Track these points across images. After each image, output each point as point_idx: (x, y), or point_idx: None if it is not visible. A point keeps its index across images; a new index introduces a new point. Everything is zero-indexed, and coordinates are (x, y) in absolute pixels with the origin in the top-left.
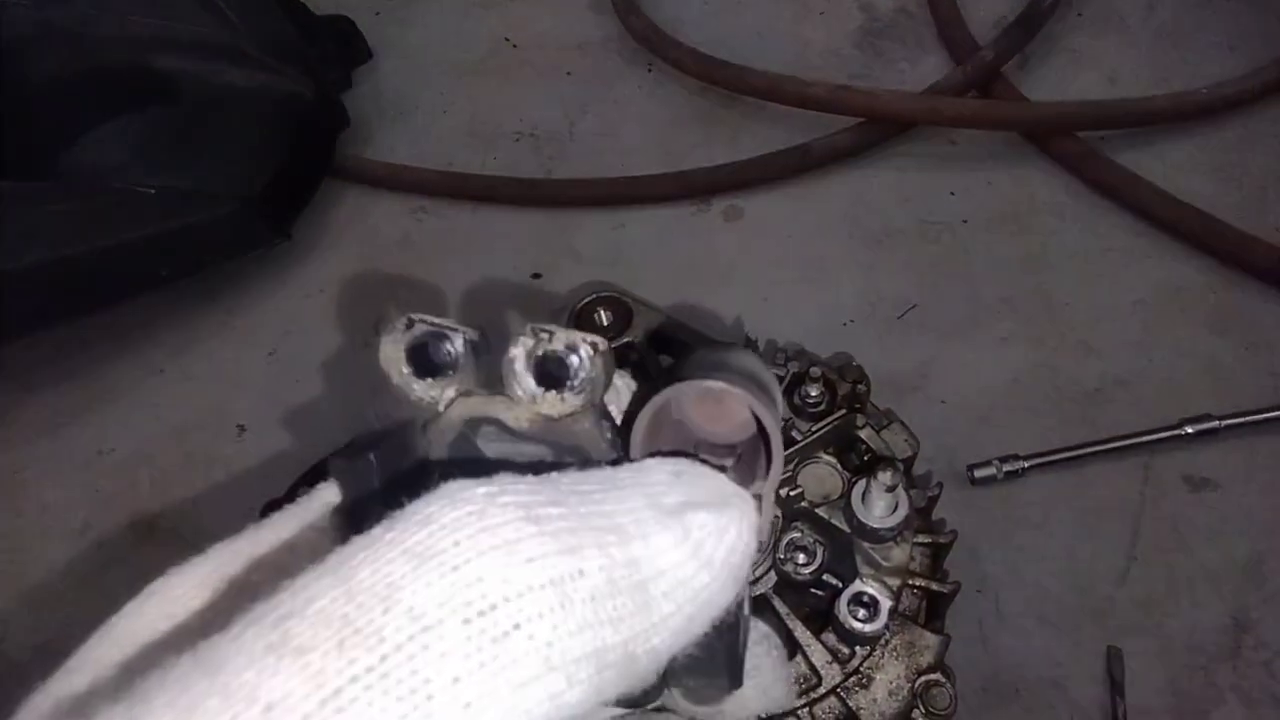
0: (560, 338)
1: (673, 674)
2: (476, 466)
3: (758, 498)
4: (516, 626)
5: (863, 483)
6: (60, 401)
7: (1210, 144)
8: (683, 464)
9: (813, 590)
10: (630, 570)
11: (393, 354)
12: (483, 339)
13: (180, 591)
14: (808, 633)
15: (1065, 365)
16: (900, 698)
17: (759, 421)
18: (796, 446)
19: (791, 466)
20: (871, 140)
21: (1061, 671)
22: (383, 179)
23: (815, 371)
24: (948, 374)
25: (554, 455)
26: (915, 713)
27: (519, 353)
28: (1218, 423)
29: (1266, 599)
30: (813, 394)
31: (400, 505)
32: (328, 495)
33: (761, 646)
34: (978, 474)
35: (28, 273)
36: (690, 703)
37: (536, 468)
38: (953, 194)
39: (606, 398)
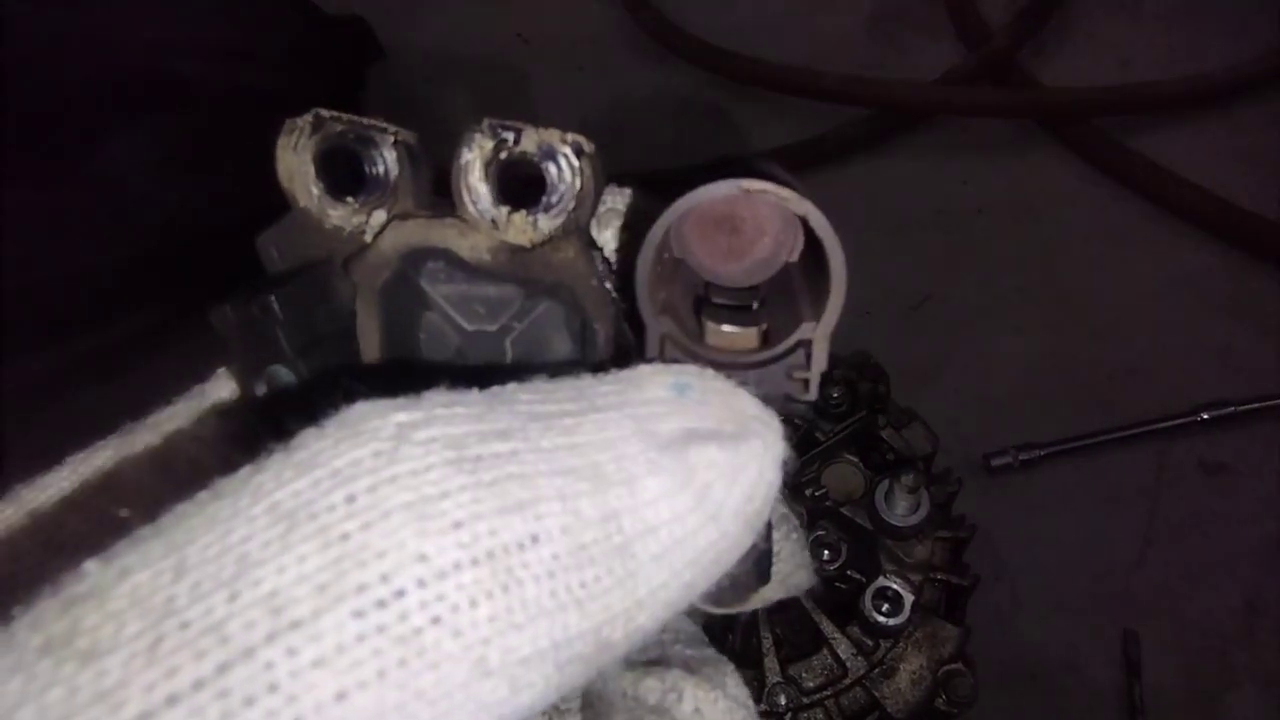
0: (530, 137)
1: None
2: (407, 374)
3: (805, 346)
4: (435, 620)
5: (886, 483)
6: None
7: (1226, 127)
8: (689, 373)
9: (837, 585)
10: (608, 529)
11: (297, 164)
12: (419, 144)
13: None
14: (833, 626)
15: (1080, 353)
16: (923, 687)
17: (809, 250)
18: (820, 447)
19: (815, 468)
20: (885, 131)
21: (1078, 655)
22: None
23: (836, 373)
24: (964, 363)
25: (525, 297)
26: (938, 701)
27: (473, 158)
28: (1233, 408)
29: None
30: (835, 395)
31: (285, 428)
32: (220, 389)
33: (780, 530)
34: (994, 462)
35: (48, 282)
36: (708, 605)
37: (486, 374)
38: (966, 183)
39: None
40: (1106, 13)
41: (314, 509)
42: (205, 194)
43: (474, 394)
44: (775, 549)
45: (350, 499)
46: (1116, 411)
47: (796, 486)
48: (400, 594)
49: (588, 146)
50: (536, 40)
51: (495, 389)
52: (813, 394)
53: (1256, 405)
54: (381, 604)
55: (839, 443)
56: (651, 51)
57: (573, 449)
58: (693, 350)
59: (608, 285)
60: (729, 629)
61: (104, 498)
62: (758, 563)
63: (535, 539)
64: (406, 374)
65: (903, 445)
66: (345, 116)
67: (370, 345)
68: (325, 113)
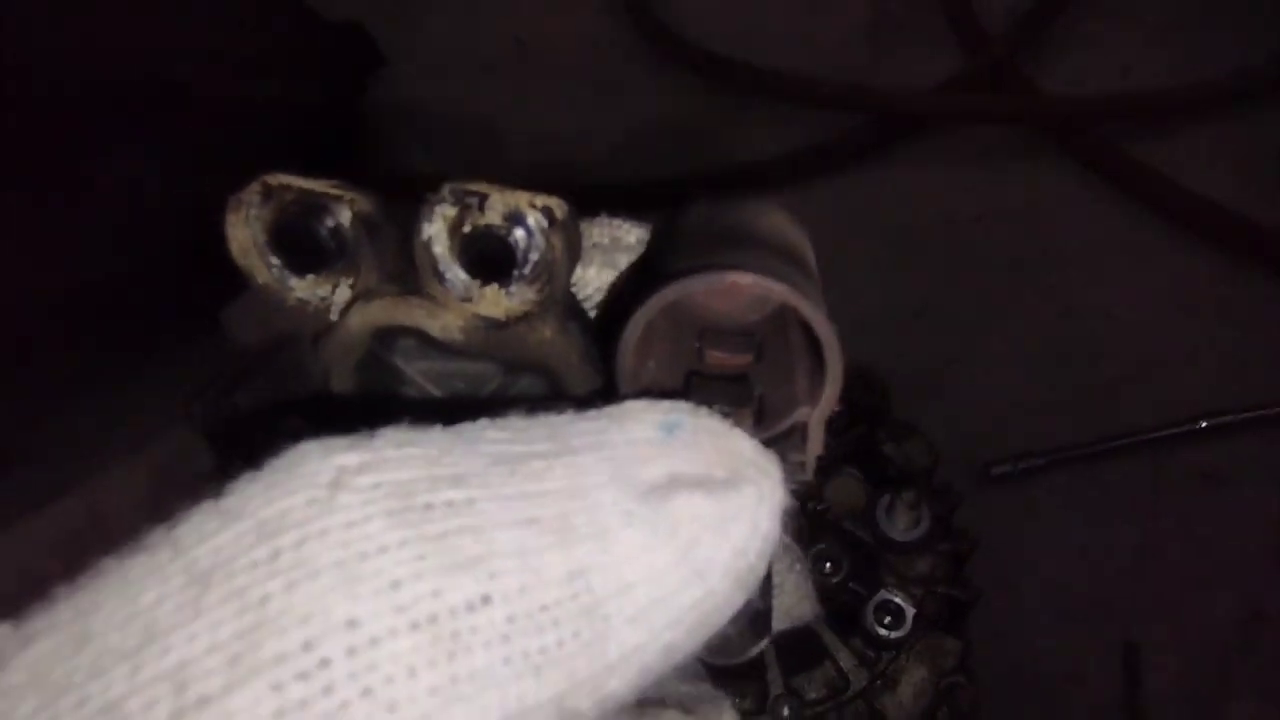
0: (496, 203)
1: None
2: (368, 410)
3: (800, 429)
4: (365, 693)
5: (886, 498)
6: None
7: (1228, 134)
8: (680, 410)
9: (839, 597)
10: (574, 588)
11: (250, 239)
12: (380, 209)
13: None
14: (835, 638)
15: (1081, 362)
16: (925, 699)
17: (802, 318)
18: (822, 462)
19: (818, 481)
20: (884, 139)
21: (1078, 665)
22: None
23: None
24: (964, 372)
25: (504, 377)
26: (939, 713)
27: (436, 229)
28: (1232, 417)
29: None
30: (836, 409)
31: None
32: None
33: (783, 562)
34: (994, 471)
35: (53, 293)
36: (706, 658)
37: (457, 409)
38: (966, 191)
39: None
40: (1107, 20)
41: (233, 567)
42: (202, 201)
43: (435, 432)
44: (777, 582)
45: (274, 555)
46: (1117, 420)
47: (800, 500)
48: (325, 664)
49: (559, 211)
50: (536, 45)
51: (462, 426)
52: (809, 475)
53: (1256, 414)
54: (303, 676)
55: (840, 456)
56: (651, 58)
57: (538, 497)
58: None
59: (592, 357)
60: None
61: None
62: (753, 621)
63: (487, 600)
64: (367, 410)
65: (903, 459)
66: (295, 184)
67: None
68: (274, 180)
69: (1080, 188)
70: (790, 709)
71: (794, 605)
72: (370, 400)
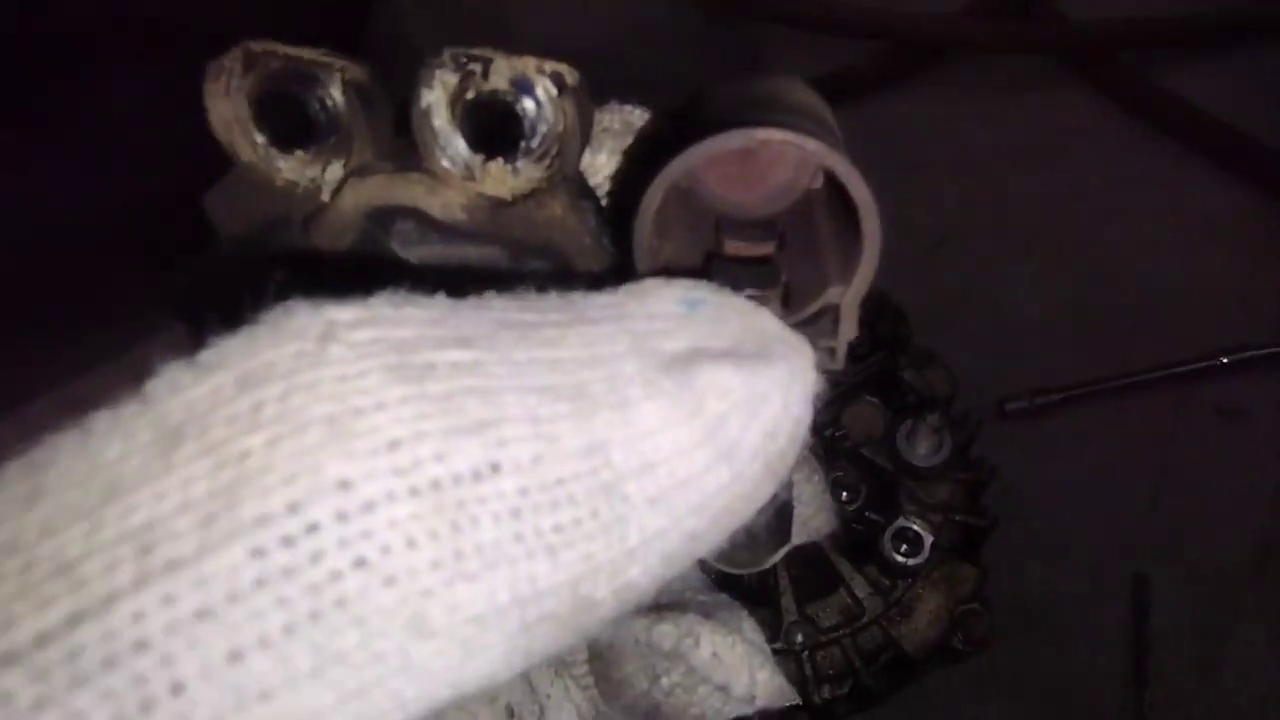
0: (501, 69)
1: None
2: (361, 271)
3: (831, 312)
4: (359, 564)
5: (908, 423)
6: None
7: (1260, 62)
8: (703, 288)
9: (854, 525)
10: (593, 462)
11: (232, 112)
12: (375, 79)
13: None
14: (850, 566)
15: (1099, 297)
16: (940, 626)
17: (834, 179)
18: (840, 388)
19: (834, 408)
20: (903, 67)
21: (1088, 598)
22: None
23: None
24: (981, 306)
25: (511, 259)
26: (953, 640)
27: (436, 98)
28: (1253, 352)
29: None
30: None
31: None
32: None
33: (801, 472)
34: (1009, 407)
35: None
36: (723, 565)
37: (459, 280)
38: (986, 122)
39: (586, 161)
40: None
41: (209, 420)
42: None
43: (438, 298)
44: (796, 493)
45: (256, 408)
46: (1135, 356)
47: (816, 426)
48: (313, 529)
49: (570, 78)
50: None
51: (466, 299)
52: (840, 363)
53: (1276, 350)
54: (288, 541)
55: (859, 383)
56: None
57: (553, 364)
58: None
59: (604, 242)
60: None
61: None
62: (779, 516)
63: (496, 468)
64: (361, 272)
65: (923, 386)
66: (281, 50)
67: None
68: (257, 46)
69: (1104, 118)
70: (804, 635)
71: (811, 516)
72: (365, 261)
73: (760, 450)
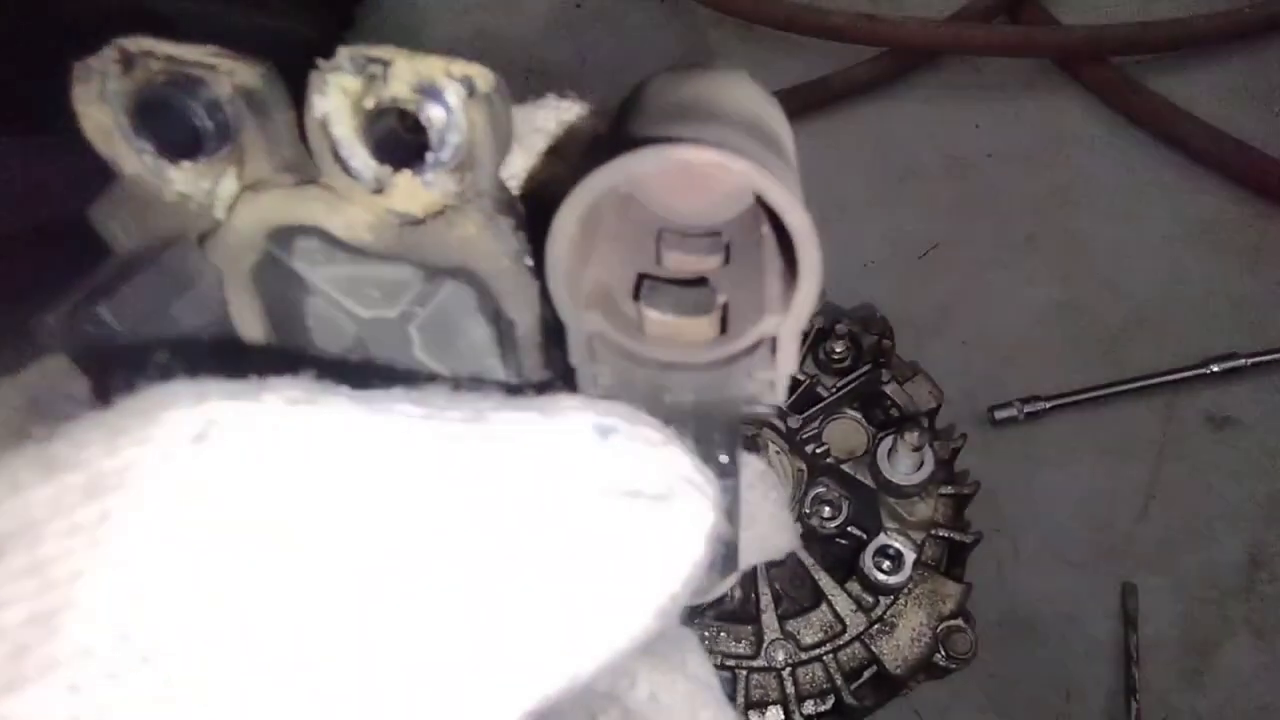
0: (403, 71)
1: None
2: (274, 364)
3: (768, 342)
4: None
5: (889, 440)
6: None
7: (1252, 68)
8: (616, 414)
9: (837, 540)
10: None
11: (104, 118)
12: (268, 83)
13: None
14: (833, 582)
15: (1090, 304)
16: (923, 643)
17: (768, 206)
18: (822, 403)
19: (817, 423)
20: (895, 71)
21: (1077, 607)
22: None
23: (840, 328)
24: (970, 314)
25: (425, 284)
26: (936, 656)
27: (334, 104)
28: (1244, 361)
29: None
30: (838, 350)
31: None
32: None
33: (757, 490)
34: (999, 415)
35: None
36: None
37: (394, 375)
38: (978, 126)
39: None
40: None
41: (44, 531)
42: None
43: (342, 393)
44: (751, 512)
45: (102, 519)
46: (1125, 363)
47: (798, 443)
48: (146, 660)
49: (483, 82)
50: None
51: (373, 392)
52: (779, 397)
53: (1265, 358)
54: (113, 677)
55: (841, 398)
56: None
57: (440, 498)
58: (630, 350)
59: (525, 263)
60: None
61: None
62: (724, 548)
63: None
64: (273, 363)
65: (906, 401)
66: (161, 50)
67: (253, 336)
68: (133, 45)
69: (1096, 122)
70: (786, 653)
71: (769, 534)
72: (268, 351)
73: (652, 596)
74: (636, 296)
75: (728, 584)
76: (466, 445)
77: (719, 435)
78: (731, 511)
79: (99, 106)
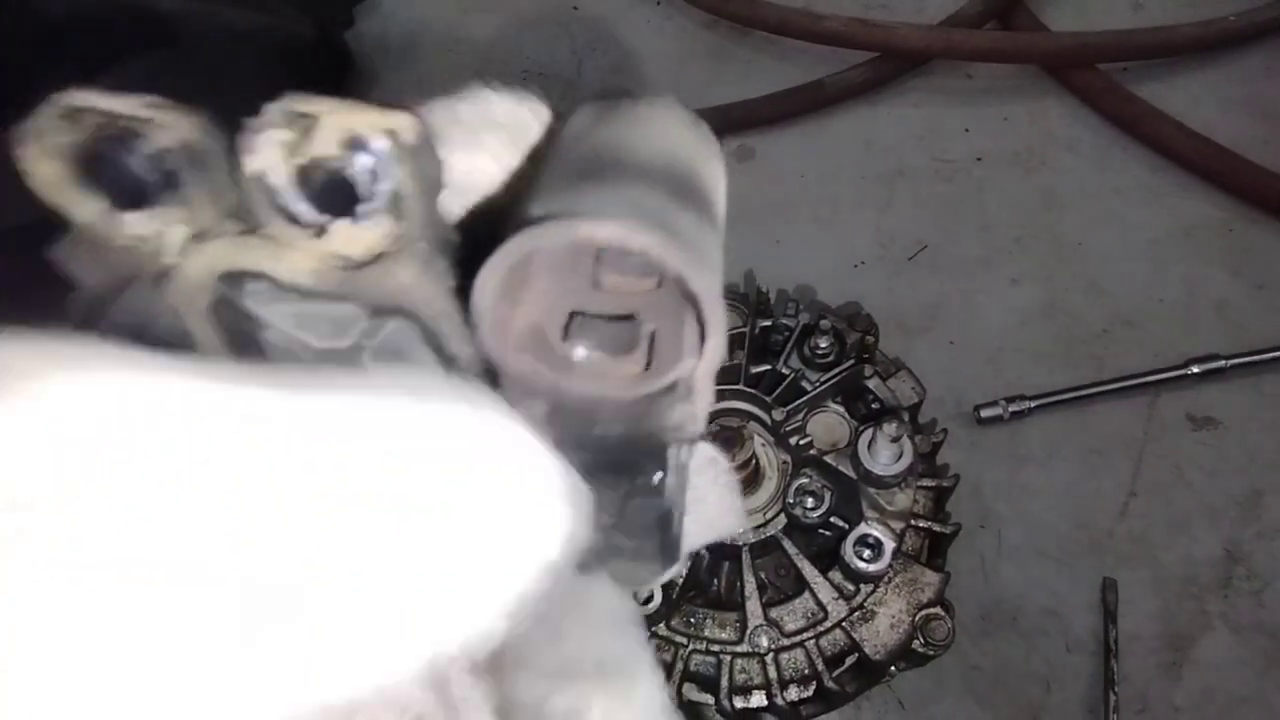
0: (329, 128)
1: (596, 557)
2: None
3: (684, 383)
4: None
5: (869, 432)
6: None
7: (1236, 75)
8: (479, 396)
9: (820, 531)
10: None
11: (53, 173)
12: (207, 134)
13: None
14: (815, 570)
15: (1075, 306)
16: (902, 630)
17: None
18: (806, 397)
19: (800, 416)
20: (886, 75)
21: (1058, 601)
22: None
23: (825, 324)
24: (958, 314)
25: (370, 320)
26: (915, 643)
27: (270, 158)
28: (1224, 362)
29: (1261, 533)
30: (822, 345)
31: None
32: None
33: (706, 475)
34: (984, 414)
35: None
36: (619, 583)
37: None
38: (968, 130)
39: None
40: None
41: None
42: None
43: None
44: (699, 496)
45: None
46: (1109, 364)
47: (783, 435)
48: None
49: (408, 133)
50: None
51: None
52: (699, 429)
53: (1246, 359)
54: None
55: (825, 392)
56: None
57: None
58: (561, 388)
59: (464, 307)
60: (714, 573)
61: None
62: (663, 536)
63: None
64: None
65: (888, 395)
66: (103, 105)
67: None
68: (72, 101)
69: (1084, 128)
70: (769, 639)
71: (717, 517)
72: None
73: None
74: (566, 335)
75: (669, 574)
76: (313, 401)
77: (646, 461)
78: (676, 505)
79: (45, 162)
